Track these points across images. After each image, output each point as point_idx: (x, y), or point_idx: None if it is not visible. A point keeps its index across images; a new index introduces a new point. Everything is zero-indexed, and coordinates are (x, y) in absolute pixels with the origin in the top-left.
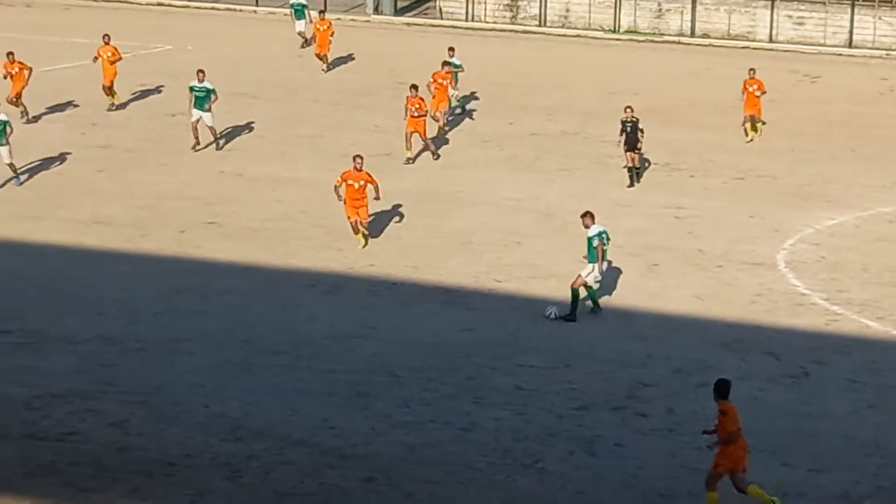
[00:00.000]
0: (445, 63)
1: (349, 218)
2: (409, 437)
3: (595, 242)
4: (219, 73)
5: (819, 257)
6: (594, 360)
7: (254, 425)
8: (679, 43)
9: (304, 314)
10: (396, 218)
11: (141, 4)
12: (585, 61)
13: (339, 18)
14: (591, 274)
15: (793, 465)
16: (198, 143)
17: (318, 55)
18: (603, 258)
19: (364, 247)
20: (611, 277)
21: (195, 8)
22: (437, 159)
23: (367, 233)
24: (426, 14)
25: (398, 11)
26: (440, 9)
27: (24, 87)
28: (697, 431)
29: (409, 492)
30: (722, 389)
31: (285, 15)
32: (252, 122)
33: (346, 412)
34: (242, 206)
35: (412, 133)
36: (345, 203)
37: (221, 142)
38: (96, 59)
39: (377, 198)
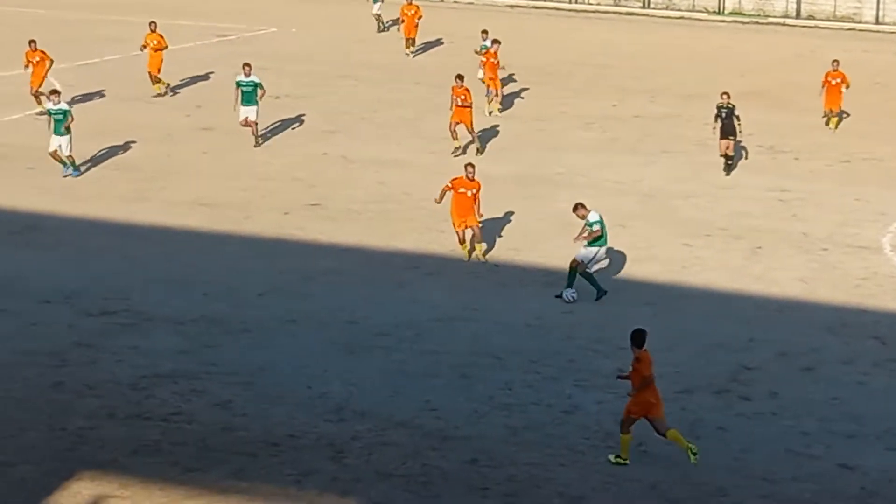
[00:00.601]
0: (495, 41)
1: (456, 227)
2: (511, 419)
3: (595, 227)
4: (322, 55)
5: None
6: (697, 343)
7: (357, 406)
8: (784, 24)
9: (407, 296)
10: (498, 200)
11: None
12: (689, 43)
13: (443, 0)
14: (598, 255)
15: None
16: (258, 139)
17: (407, 38)
18: (593, 243)
19: (468, 259)
20: (714, 260)
21: None
22: (480, 154)
23: (480, 241)
24: None
25: None
26: None
27: (44, 78)
28: (801, 416)
29: (510, 474)
30: (637, 339)
31: None
32: (355, 105)
33: (449, 394)
34: (345, 187)
35: (457, 124)
36: (452, 211)
37: (260, 140)
38: (143, 47)
39: (480, 214)
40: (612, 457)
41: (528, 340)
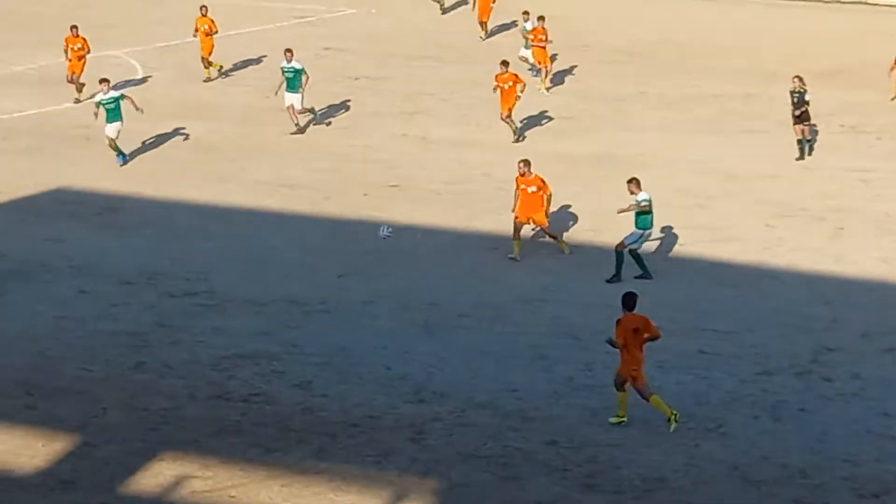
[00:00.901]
0: (540, 17)
1: (517, 219)
2: (591, 400)
3: (643, 203)
4: (401, 36)
5: None
6: (778, 323)
7: (437, 387)
8: (866, 3)
9: (486, 277)
10: (578, 181)
11: None
12: (770, 22)
13: None
14: (644, 236)
15: None
16: (298, 127)
17: (480, 22)
18: (640, 224)
19: (516, 258)
20: (796, 241)
21: None
22: (519, 141)
23: (555, 237)
24: None
25: None
26: None
27: (83, 67)
28: (884, 397)
29: (591, 455)
30: (625, 301)
31: None
32: (434, 85)
33: (529, 375)
34: (425, 168)
35: (509, 116)
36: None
37: (299, 127)
38: (196, 32)
39: (546, 213)
40: (670, 427)
41: (608, 321)
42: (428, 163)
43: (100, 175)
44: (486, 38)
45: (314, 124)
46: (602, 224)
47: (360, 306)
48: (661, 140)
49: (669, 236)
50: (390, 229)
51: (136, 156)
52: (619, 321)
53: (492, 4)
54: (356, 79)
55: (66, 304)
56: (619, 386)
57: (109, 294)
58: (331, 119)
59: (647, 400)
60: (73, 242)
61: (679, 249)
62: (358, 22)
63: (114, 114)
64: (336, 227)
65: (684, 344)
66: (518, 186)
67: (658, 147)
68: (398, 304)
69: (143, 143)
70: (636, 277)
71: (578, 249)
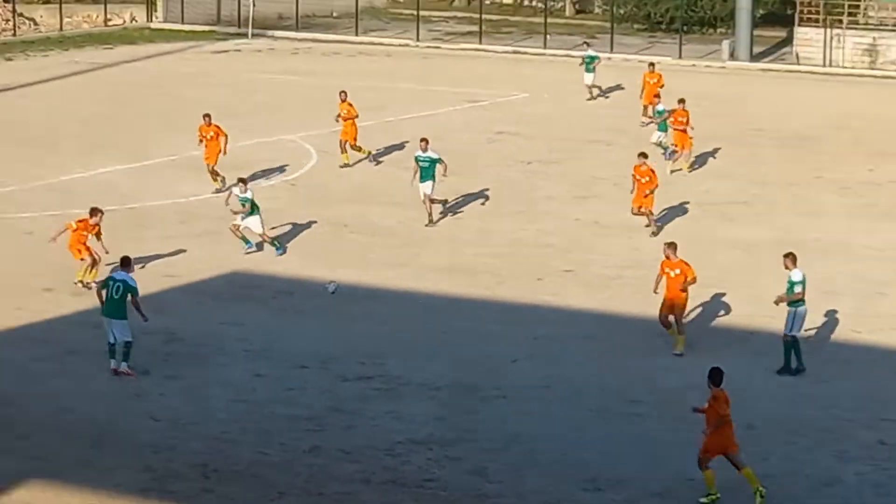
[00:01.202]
0: (681, 100)
1: (661, 310)
2: (769, 490)
3: (797, 289)
4: (573, 120)
5: None
6: None
7: (612, 475)
8: None
9: (660, 363)
10: (752, 266)
11: (497, 52)
12: None
13: (693, 65)
14: (798, 315)
15: None
16: (431, 219)
17: (645, 105)
18: (793, 304)
19: (680, 352)
20: None
21: (550, 56)
22: (654, 235)
23: (680, 333)
24: (783, 59)
25: (754, 57)
26: (797, 54)
27: (219, 155)
28: None
29: None
30: (715, 377)
31: (640, 61)
32: (606, 169)
33: None
34: (598, 253)
35: (641, 208)
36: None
37: (443, 207)
38: (338, 118)
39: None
40: (703, 498)
41: (784, 409)
42: (601, 247)
43: (275, 258)
44: (647, 124)
45: (447, 214)
46: (778, 310)
47: (534, 391)
48: (838, 226)
49: (846, 324)
50: (335, 285)
51: (310, 239)
52: (716, 396)
53: (658, 89)
54: (529, 163)
55: (241, 388)
56: (704, 465)
57: (285, 378)
58: (503, 203)
59: (702, 470)
60: (249, 326)
61: (856, 337)
62: (530, 106)
63: (252, 209)
64: (510, 312)
65: (864, 434)
66: (662, 270)
67: (834, 233)
68: (572, 390)
69: (318, 226)
70: (794, 369)
71: (754, 336)
